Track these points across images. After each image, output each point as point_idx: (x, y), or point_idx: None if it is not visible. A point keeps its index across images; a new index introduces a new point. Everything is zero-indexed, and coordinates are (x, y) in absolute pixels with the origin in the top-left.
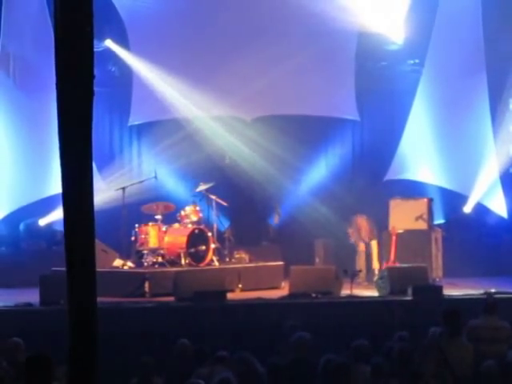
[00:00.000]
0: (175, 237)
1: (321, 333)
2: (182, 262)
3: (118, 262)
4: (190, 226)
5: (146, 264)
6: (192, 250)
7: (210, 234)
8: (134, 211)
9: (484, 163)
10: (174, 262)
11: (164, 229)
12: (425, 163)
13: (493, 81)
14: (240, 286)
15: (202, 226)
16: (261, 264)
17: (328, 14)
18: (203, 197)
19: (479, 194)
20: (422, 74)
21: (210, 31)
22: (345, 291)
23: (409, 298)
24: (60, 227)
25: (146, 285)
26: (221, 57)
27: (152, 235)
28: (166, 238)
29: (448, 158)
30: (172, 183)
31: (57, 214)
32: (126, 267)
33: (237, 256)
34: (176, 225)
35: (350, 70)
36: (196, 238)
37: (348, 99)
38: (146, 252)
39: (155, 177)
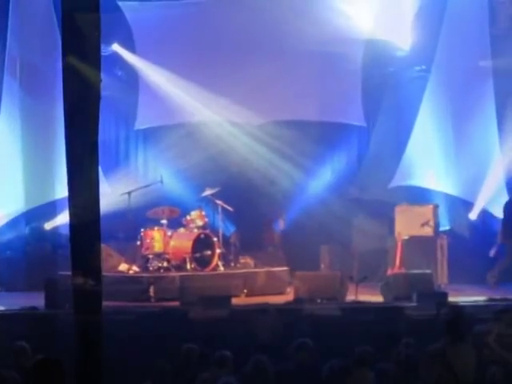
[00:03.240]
0: (181, 241)
1: (325, 338)
2: (188, 266)
3: (123, 267)
4: (195, 230)
5: (151, 268)
6: (197, 254)
7: (215, 238)
8: (140, 216)
9: (490, 169)
10: (180, 267)
11: (169, 233)
12: (431, 169)
13: (500, 87)
14: (245, 291)
15: (207, 231)
16: (266, 269)
17: (333, 20)
18: (209, 202)
19: (485, 201)
20: (429, 80)
21: (217, 38)
22: (350, 297)
23: (413, 304)
24: (66, 231)
25: (151, 289)
26: (227, 62)
27: (157, 240)
28: (172, 243)
29: (454, 164)
30: (178, 188)
31: (63, 218)
32: (131, 272)
33: (242, 261)
34: (181, 229)
35: (356, 75)
36: (201, 243)
37: (354, 105)
38: (151, 257)
39: (161, 181)
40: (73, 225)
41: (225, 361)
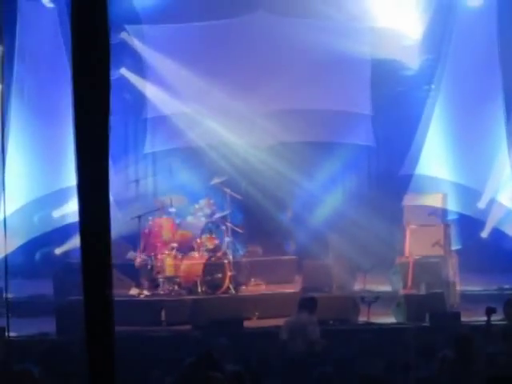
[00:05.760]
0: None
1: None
2: (199, 289)
3: (133, 291)
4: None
5: (162, 292)
6: (208, 277)
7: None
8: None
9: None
10: (191, 290)
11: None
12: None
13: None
14: (256, 313)
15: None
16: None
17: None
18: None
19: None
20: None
21: (225, 62)
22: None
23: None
24: (74, 219)
25: (163, 313)
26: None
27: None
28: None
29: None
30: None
31: (71, 207)
32: (142, 296)
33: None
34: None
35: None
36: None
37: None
38: (162, 280)
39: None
40: (82, 213)
41: None
